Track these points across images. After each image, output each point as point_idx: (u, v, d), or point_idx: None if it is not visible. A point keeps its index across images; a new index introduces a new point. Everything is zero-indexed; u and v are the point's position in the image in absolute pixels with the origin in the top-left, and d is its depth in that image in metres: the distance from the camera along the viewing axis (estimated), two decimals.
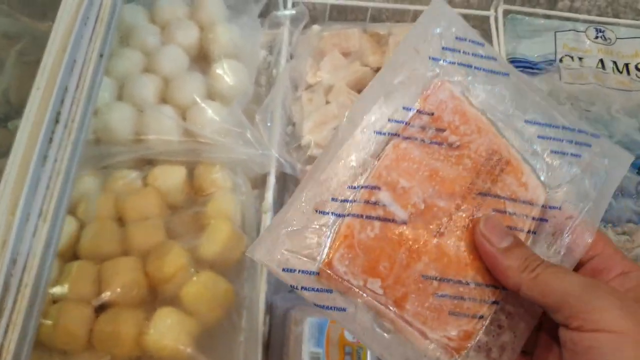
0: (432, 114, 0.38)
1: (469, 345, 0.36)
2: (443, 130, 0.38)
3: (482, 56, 0.40)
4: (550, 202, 0.38)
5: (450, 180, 0.37)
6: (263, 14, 0.80)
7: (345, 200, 0.36)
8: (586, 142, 0.40)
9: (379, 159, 0.37)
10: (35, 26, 0.68)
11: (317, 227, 0.36)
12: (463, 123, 0.38)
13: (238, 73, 0.70)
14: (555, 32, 0.82)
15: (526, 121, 0.39)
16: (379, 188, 0.36)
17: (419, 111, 0.38)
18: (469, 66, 0.39)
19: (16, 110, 0.56)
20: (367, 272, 0.35)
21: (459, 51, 0.39)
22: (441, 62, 0.39)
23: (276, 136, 0.68)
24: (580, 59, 0.80)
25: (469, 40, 0.40)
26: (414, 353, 0.36)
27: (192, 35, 0.73)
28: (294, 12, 0.79)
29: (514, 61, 0.80)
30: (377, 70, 0.76)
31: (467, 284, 0.36)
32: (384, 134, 0.37)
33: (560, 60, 0.80)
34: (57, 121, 0.48)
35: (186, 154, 0.64)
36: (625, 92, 0.77)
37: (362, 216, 0.36)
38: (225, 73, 0.69)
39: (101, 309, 0.54)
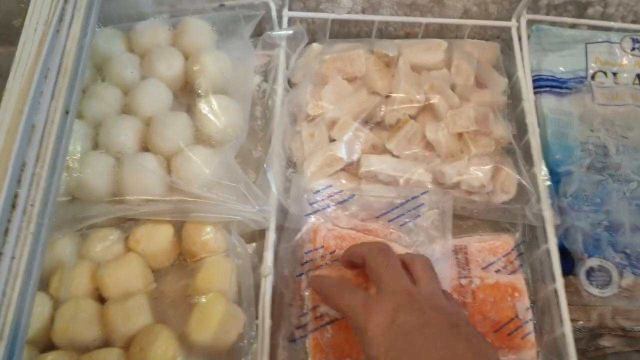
0: (323, 246, 0.58)
1: None
2: (333, 251, 0.58)
3: (334, 194, 0.62)
4: None
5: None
6: (256, 33, 0.71)
7: (303, 325, 0.55)
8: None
9: (309, 290, 0.56)
10: None
11: (296, 350, 0.55)
12: (341, 241, 0.59)
13: (229, 112, 0.61)
14: (585, 44, 0.72)
15: (376, 217, 0.62)
16: (318, 306, 0.55)
17: (314, 249, 0.58)
18: (327, 207, 0.61)
19: None
20: (338, 358, 0.53)
21: (319, 201, 0.61)
22: (311, 215, 0.61)
23: (276, 184, 0.60)
24: (614, 74, 0.71)
25: (322, 189, 0.62)
26: None
27: (175, 66, 0.64)
28: (290, 31, 0.69)
29: (539, 79, 0.71)
30: (387, 97, 0.67)
31: None
32: (303, 273, 0.57)
33: (592, 77, 0.71)
34: (13, 207, 0.40)
35: (172, 213, 0.56)
36: None
37: (317, 328, 0.55)
38: (214, 113, 0.61)
39: None
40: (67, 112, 0.46)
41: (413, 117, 0.66)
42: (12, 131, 0.42)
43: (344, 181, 0.63)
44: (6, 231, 0.39)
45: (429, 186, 0.63)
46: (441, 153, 0.64)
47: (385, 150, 0.65)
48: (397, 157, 0.64)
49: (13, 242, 0.40)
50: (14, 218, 0.40)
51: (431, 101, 0.65)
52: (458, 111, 0.65)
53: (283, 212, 0.61)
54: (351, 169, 0.65)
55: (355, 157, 0.64)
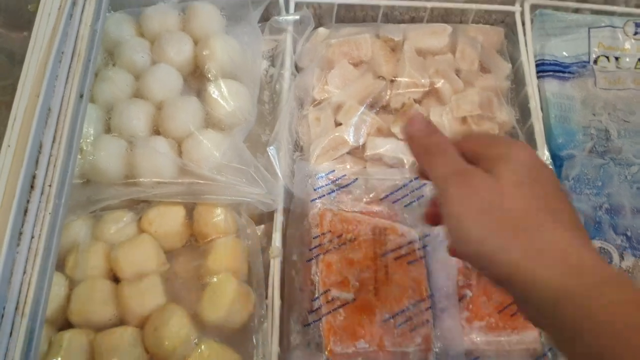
0: (330, 231, 0.60)
1: (432, 339, 0.56)
2: (340, 235, 0.59)
3: (337, 179, 0.63)
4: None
5: (361, 259, 0.58)
6: (263, 18, 0.72)
7: (316, 309, 0.56)
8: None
9: (319, 274, 0.57)
10: (11, 39, 0.59)
11: (310, 334, 0.56)
12: (347, 224, 0.60)
13: (238, 96, 0.62)
14: (589, 29, 0.73)
15: (380, 199, 0.63)
16: (329, 290, 0.57)
17: (322, 234, 0.59)
18: (332, 192, 0.62)
19: None
20: (352, 340, 0.55)
21: (323, 186, 0.63)
22: (316, 200, 0.62)
23: (283, 167, 0.61)
24: (617, 58, 0.72)
25: (325, 174, 0.63)
26: None
27: (185, 50, 0.65)
28: (297, 16, 0.70)
29: (542, 63, 0.72)
30: (392, 82, 0.68)
31: (408, 308, 0.57)
32: (312, 258, 0.59)
33: (595, 62, 0.72)
34: (32, 187, 0.41)
35: (184, 195, 0.58)
36: None
37: (329, 312, 0.56)
38: (224, 97, 0.62)
39: None
40: (81, 96, 0.47)
41: (418, 101, 0.68)
42: (29, 114, 0.43)
43: (349, 165, 0.64)
44: (26, 211, 0.41)
45: None
46: None
47: (390, 134, 0.66)
48: (402, 140, 0.65)
49: (32, 222, 0.41)
50: (33, 198, 0.41)
51: (436, 85, 0.66)
52: (462, 95, 0.66)
53: (290, 194, 0.62)
54: (357, 152, 0.66)
55: (361, 140, 0.65)
